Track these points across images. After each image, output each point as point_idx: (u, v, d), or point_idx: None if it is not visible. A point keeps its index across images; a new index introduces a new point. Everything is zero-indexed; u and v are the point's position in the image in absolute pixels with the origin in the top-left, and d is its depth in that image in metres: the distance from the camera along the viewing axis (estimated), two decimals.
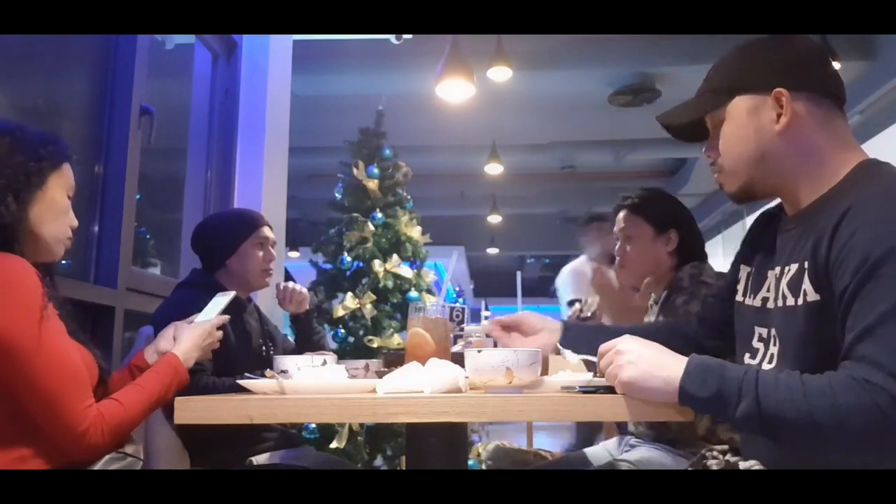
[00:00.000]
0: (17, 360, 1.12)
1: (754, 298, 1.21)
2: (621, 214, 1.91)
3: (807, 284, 1.06)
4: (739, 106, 1.15)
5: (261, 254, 2.02)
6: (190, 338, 1.46)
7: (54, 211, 1.29)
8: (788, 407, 0.92)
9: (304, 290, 2.22)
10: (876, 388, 0.89)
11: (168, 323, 1.54)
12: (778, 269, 1.15)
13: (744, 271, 1.28)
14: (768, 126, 1.12)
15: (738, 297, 1.27)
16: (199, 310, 1.60)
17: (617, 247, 1.92)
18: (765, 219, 1.30)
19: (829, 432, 0.91)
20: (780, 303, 1.13)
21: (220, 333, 1.55)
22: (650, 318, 1.88)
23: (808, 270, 1.06)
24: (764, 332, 1.16)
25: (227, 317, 1.57)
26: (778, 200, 1.24)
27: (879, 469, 0.95)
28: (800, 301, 1.07)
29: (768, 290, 1.17)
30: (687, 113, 1.23)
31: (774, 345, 1.13)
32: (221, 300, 1.60)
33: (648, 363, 1.01)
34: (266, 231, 2.05)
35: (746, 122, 1.14)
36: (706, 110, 1.20)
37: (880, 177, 1.06)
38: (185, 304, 1.75)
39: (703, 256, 1.86)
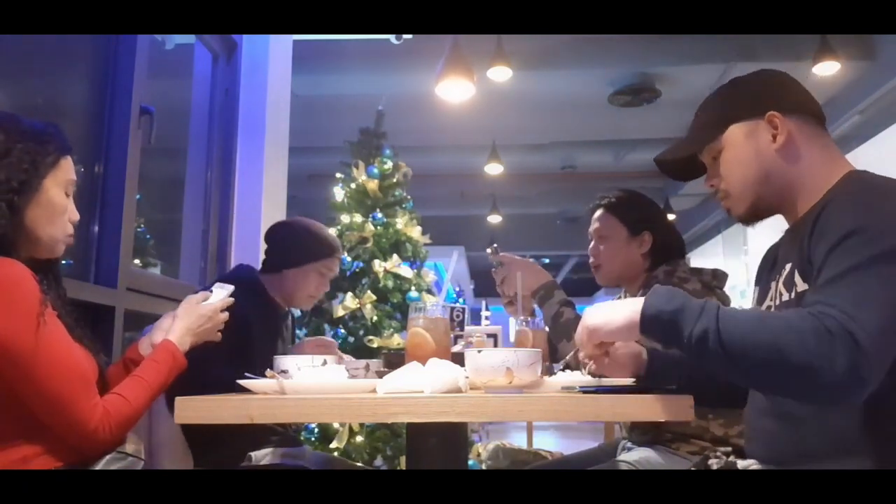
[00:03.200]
0: (19, 366, 1.12)
1: (760, 308, 1.25)
2: (597, 214, 1.93)
3: (797, 278, 1.11)
4: (736, 133, 1.23)
5: (318, 282, 2.02)
6: (184, 322, 1.44)
7: (52, 212, 1.25)
8: (744, 322, 0.98)
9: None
10: (827, 317, 0.93)
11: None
12: (776, 276, 1.20)
13: (756, 291, 1.33)
14: (766, 146, 1.20)
15: None
16: (237, 309, 1.57)
17: (591, 246, 1.93)
18: (771, 248, 1.34)
19: (780, 346, 0.94)
20: (777, 302, 1.17)
21: (224, 316, 1.51)
22: None
23: (797, 266, 1.11)
24: None
25: (230, 300, 1.54)
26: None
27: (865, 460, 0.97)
28: (792, 295, 1.12)
29: (770, 299, 1.21)
30: (686, 147, 1.30)
31: None
32: (221, 292, 1.56)
33: (611, 307, 1.11)
34: (333, 264, 2.05)
35: (745, 146, 1.22)
36: (705, 142, 1.27)
37: (860, 181, 1.14)
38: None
39: (679, 255, 1.87)
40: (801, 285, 1.10)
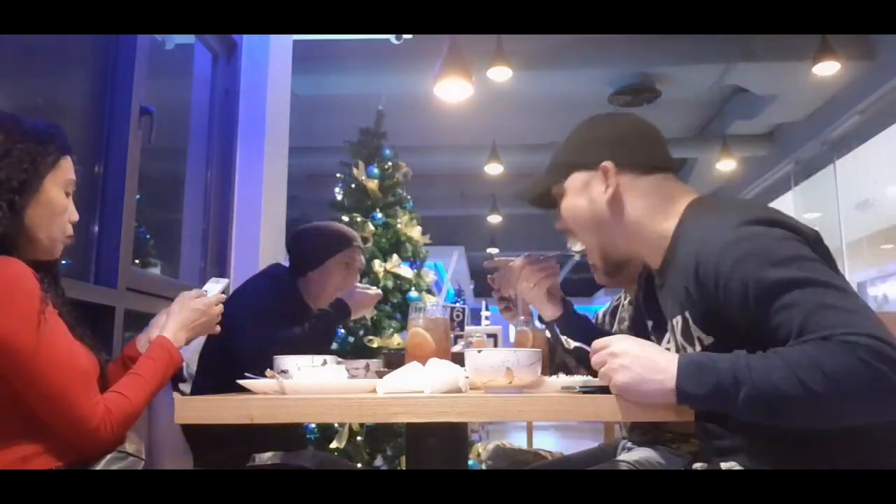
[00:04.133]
0: (20, 364, 1.12)
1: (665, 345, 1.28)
2: None
3: (697, 332, 1.12)
4: (576, 180, 1.27)
5: (343, 274, 2.06)
6: (178, 318, 1.45)
7: (51, 213, 1.25)
8: (785, 386, 0.93)
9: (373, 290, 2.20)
10: (851, 345, 0.91)
11: (244, 312, 1.59)
12: (671, 321, 1.21)
13: (649, 325, 1.36)
14: (599, 198, 1.23)
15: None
16: (270, 303, 1.64)
17: None
18: (644, 278, 1.38)
19: (826, 399, 0.92)
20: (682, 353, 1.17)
21: (218, 309, 1.52)
22: (623, 314, 1.89)
23: (693, 319, 1.12)
24: None
25: (223, 296, 1.55)
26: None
27: (880, 463, 0.96)
28: (697, 347, 1.13)
29: (668, 342, 1.24)
30: (535, 187, 1.36)
31: None
32: (215, 287, 1.57)
33: (642, 367, 1.02)
34: (354, 253, 2.08)
35: (581, 194, 1.26)
36: (548, 185, 1.32)
37: (701, 217, 1.14)
38: (258, 291, 1.84)
39: None
40: (706, 339, 1.11)
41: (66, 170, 1.28)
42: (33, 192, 1.22)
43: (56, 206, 1.26)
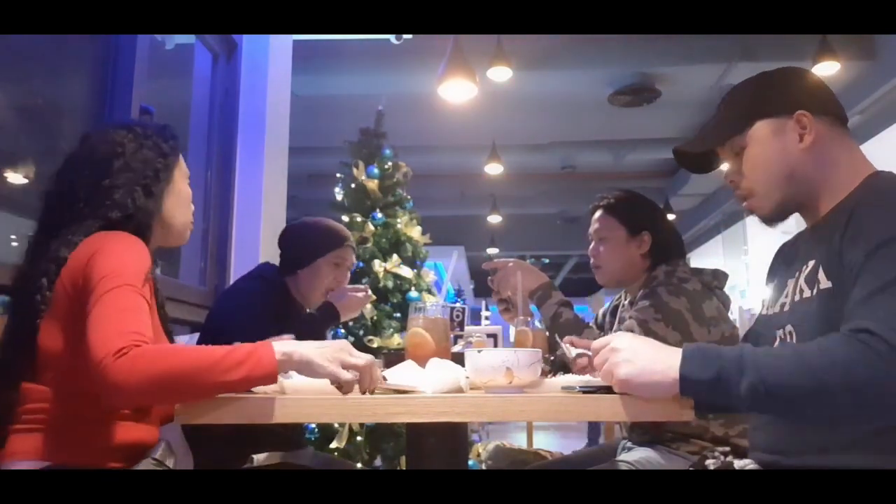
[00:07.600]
0: (104, 285, 1.10)
1: (774, 306, 1.25)
2: (596, 215, 1.92)
3: (821, 275, 1.10)
4: (762, 129, 1.22)
5: (333, 274, 2.02)
6: (316, 345, 1.11)
7: (181, 200, 1.39)
8: (791, 371, 0.94)
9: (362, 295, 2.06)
10: (873, 338, 0.91)
11: (234, 315, 1.66)
12: (797, 273, 1.19)
13: (768, 288, 1.33)
14: (793, 145, 1.20)
15: (763, 312, 1.31)
16: (263, 303, 1.70)
17: (591, 247, 1.93)
18: (786, 246, 1.36)
19: (834, 388, 0.92)
20: (796, 297, 1.17)
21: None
22: (624, 314, 1.89)
23: (822, 262, 1.11)
24: (782, 332, 1.19)
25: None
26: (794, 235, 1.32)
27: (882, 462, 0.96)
28: (814, 291, 1.11)
29: (786, 296, 1.21)
30: (708, 141, 1.29)
31: (791, 339, 1.16)
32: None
33: (645, 359, 1.01)
34: (345, 253, 2.04)
35: (772, 143, 1.21)
36: (728, 136, 1.26)
37: (887, 180, 1.15)
38: (249, 292, 1.85)
39: (679, 255, 1.87)
40: (824, 282, 1.09)
41: (184, 163, 1.43)
42: (167, 181, 1.34)
43: (185, 194, 1.40)
